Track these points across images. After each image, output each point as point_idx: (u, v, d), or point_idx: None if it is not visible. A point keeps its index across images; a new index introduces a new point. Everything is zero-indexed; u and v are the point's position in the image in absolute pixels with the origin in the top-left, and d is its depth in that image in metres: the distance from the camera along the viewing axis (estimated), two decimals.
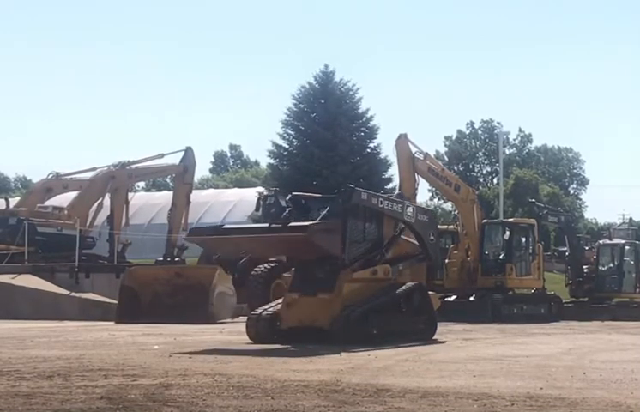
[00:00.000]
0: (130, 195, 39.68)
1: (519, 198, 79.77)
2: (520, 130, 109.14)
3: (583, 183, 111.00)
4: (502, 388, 11.75)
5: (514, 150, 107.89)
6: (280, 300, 20.56)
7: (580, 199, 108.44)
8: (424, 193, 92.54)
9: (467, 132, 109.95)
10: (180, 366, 14.38)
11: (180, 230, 39.46)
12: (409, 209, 21.24)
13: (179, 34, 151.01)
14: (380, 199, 20.65)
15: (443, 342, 19.73)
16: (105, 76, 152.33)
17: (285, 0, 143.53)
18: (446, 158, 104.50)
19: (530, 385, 12.07)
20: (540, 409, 10.19)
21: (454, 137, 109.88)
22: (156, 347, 18.04)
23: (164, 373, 13.25)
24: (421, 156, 33.11)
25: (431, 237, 21.36)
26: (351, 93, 70.84)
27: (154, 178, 69.57)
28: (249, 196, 53.90)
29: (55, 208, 37.83)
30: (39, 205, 37.43)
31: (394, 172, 59.09)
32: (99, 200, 37.75)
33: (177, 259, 38.10)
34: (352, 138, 65.91)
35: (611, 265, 39.00)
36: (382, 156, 64.56)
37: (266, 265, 30.07)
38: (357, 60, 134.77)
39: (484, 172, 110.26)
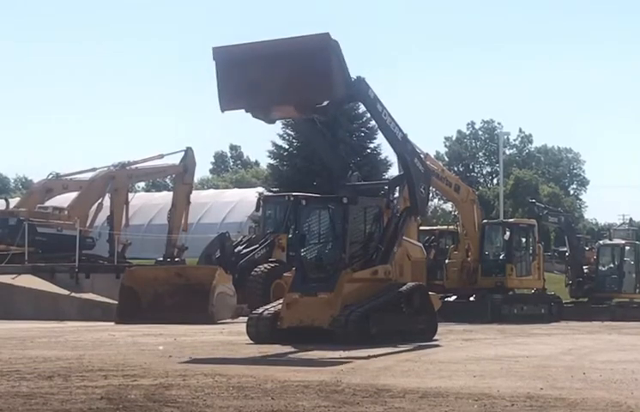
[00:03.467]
0: (130, 195, 39.63)
1: (519, 198, 79.75)
2: (520, 131, 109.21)
3: (583, 183, 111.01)
4: (502, 388, 11.75)
5: (514, 150, 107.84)
6: (280, 300, 20.57)
7: (580, 199, 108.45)
8: None
9: (468, 132, 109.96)
10: (180, 366, 14.39)
11: (180, 230, 39.48)
12: (409, 146, 21.12)
13: (179, 34, 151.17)
14: (385, 111, 20.10)
15: (444, 343, 19.72)
16: (105, 76, 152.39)
17: (285, 0, 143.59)
18: (446, 158, 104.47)
19: (530, 386, 12.07)
20: (540, 410, 10.19)
21: (454, 137, 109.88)
22: (161, 347, 18.04)
23: (164, 374, 13.25)
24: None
25: (422, 189, 21.22)
26: None
27: (154, 178, 69.46)
28: (249, 196, 53.91)
29: (55, 208, 37.80)
30: (39, 206, 37.41)
31: (394, 172, 59.01)
32: (99, 200, 37.72)
33: (177, 259, 38.09)
34: (352, 138, 65.92)
35: (611, 265, 38.99)
36: (382, 156, 64.49)
37: (266, 265, 30.09)
38: (357, 60, 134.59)
39: (484, 172, 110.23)
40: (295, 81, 18.45)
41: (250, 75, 18.75)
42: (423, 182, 21.25)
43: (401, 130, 20.72)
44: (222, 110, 19.16)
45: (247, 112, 19.34)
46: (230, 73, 18.96)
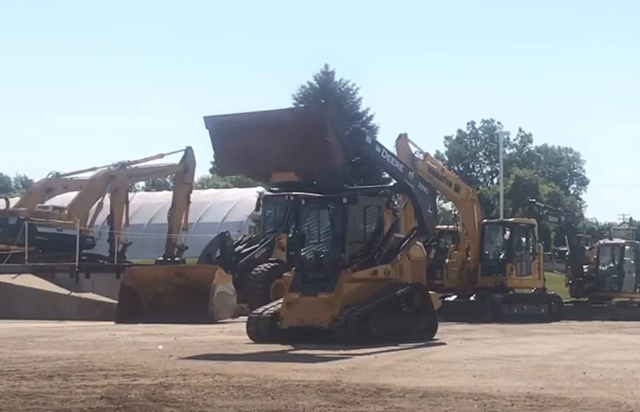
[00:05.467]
0: (130, 195, 39.62)
1: (519, 198, 79.68)
2: (520, 130, 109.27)
3: (583, 183, 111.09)
4: (502, 388, 11.75)
5: (514, 150, 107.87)
6: (280, 300, 20.57)
7: (580, 199, 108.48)
8: None
9: (468, 132, 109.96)
10: (180, 366, 14.39)
11: (180, 230, 39.47)
12: (410, 174, 21.24)
13: (180, 34, 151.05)
14: (384, 150, 20.49)
15: (444, 343, 19.73)
16: (105, 76, 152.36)
17: (285, 0, 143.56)
18: (446, 158, 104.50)
19: (530, 385, 12.08)
20: (540, 409, 10.20)
21: (454, 137, 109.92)
22: (161, 347, 18.04)
23: (164, 373, 13.26)
24: (421, 156, 33.09)
25: (429, 210, 21.31)
26: (351, 92, 70.82)
27: (154, 178, 69.23)
28: (249, 196, 53.82)
29: (55, 208, 37.79)
30: (39, 205, 37.39)
31: None
32: (99, 200, 37.70)
33: (177, 259, 38.09)
34: None
35: (611, 265, 38.99)
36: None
37: (266, 265, 30.07)
38: (357, 60, 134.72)
39: (484, 172, 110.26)
40: (294, 152, 18.65)
41: (248, 145, 18.98)
42: (429, 202, 21.38)
43: (400, 161, 21.26)
44: (222, 175, 19.60)
45: (247, 177, 19.54)
46: (226, 142, 19.28)
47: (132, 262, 36.46)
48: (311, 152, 18.40)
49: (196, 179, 40.73)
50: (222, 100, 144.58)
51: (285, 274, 22.29)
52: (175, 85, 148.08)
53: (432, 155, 36.96)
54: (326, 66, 70.65)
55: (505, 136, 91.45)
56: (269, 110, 19.40)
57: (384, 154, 20.44)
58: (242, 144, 19.03)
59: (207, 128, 19.29)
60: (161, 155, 39.72)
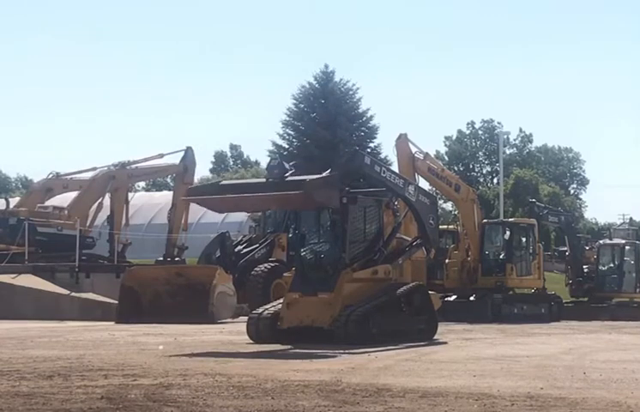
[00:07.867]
0: (130, 195, 39.62)
1: (519, 198, 79.67)
2: (520, 130, 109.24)
3: (583, 183, 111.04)
4: (502, 388, 11.75)
5: (514, 150, 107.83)
6: (280, 300, 20.57)
7: (580, 199, 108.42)
8: None
9: (468, 132, 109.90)
10: (180, 366, 14.38)
11: (180, 230, 39.47)
12: (411, 188, 21.30)
13: (180, 34, 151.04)
14: (383, 168, 20.66)
15: (444, 342, 19.74)
16: (105, 76, 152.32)
17: (285, 0, 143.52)
18: (446, 158, 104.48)
19: (530, 385, 12.08)
20: (540, 409, 10.19)
21: (454, 137, 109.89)
22: (161, 347, 18.05)
23: (164, 373, 13.26)
24: (421, 156, 33.10)
25: (431, 221, 21.35)
26: (351, 92, 70.97)
27: (154, 178, 69.45)
28: None
29: (55, 208, 37.78)
30: (39, 205, 37.39)
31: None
32: (99, 200, 37.69)
33: (177, 259, 38.09)
34: (352, 138, 65.98)
35: (611, 265, 39.02)
36: (382, 156, 64.55)
37: (266, 265, 30.07)
38: (357, 60, 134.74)
39: (484, 172, 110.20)
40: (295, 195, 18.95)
41: (237, 204, 19.74)
42: (430, 213, 21.41)
43: (399, 176, 21.45)
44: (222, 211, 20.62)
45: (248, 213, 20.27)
46: (214, 204, 20.06)
47: (132, 262, 36.46)
48: (308, 204, 18.99)
49: (196, 179, 40.67)
50: (222, 99, 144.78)
51: (285, 274, 22.30)
52: (175, 85, 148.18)
53: (432, 155, 36.96)
54: (326, 66, 70.88)
55: (505, 136, 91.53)
56: (251, 182, 20.16)
57: (384, 173, 20.55)
58: (231, 201, 19.69)
59: (191, 201, 20.18)
60: (161, 155, 39.71)
